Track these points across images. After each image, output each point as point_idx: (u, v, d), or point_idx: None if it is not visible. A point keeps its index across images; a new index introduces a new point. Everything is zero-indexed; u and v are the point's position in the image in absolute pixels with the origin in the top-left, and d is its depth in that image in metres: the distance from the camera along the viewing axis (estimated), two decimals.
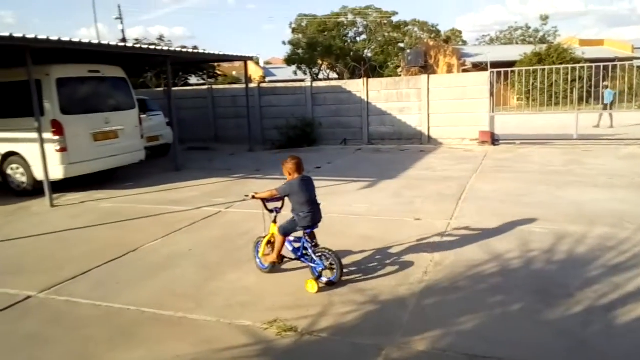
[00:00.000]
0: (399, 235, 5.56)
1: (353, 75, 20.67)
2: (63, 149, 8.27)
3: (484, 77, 13.07)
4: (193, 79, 28.28)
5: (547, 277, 4.28)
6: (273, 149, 14.13)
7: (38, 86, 7.91)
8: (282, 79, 33.96)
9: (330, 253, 4.20)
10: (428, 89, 13.56)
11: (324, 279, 4.22)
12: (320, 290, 4.11)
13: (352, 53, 31.28)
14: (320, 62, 32.38)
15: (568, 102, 14.83)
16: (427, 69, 27.22)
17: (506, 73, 13.50)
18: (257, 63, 42.95)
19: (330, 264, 4.18)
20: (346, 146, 14.28)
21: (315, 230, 4.41)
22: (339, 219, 6.32)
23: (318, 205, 4.35)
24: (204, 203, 7.52)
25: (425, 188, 7.94)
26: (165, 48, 14.67)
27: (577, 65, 13.75)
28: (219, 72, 29.08)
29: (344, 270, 4.30)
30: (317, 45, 30.57)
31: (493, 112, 12.97)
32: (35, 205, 7.94)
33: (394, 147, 13.45)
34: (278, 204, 4.53)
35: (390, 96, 14.06)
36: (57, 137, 8.20)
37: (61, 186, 8.55)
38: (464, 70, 25.82)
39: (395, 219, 6.22)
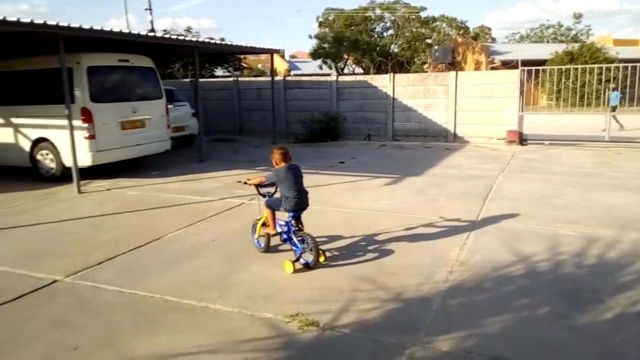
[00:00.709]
0: (423, 234, 5.48)
1: (379, 71, 20.49)
2: (91, 137, 8.41)
3: (514, 75, 12.79)
4: (219, 71, 28.45)
5: (576, 281, 4.15)
6: (296, 143, 14.12)
7: (69, 74, 8.04)
8: (307, 72, 33.91)
9: (309, 237, 4.52)
10: (456, 86, 13.35)
11: (302, 261, 4.54)
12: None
13: (378, 48, 30.99)
14: (346, 56, 32.20)
15: (601, 102, 14.42)
16: (454, 65, 26.82)
17: (536, 71, 13.20)
18: (283, 56, 42.98)
19: (310, 249, 4.50)
20: (370, 142, 14.18)
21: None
22: (362, 215, 6.27)
23: (305, 192, 4.67)
24: (227, 194, 7.55)
25: (450, 186, 7.81)
26: (193, 39, 14.74)
27: (612, 65, 13.35)
28: (244, 65, 29.19)
29: (359, 259, 4.26)
30: (344, 39, 30.39)
31: (522, 111, 12.70)
32: (63, 191, 8.09)
33: (418, 144, 13.30)
34: (271, 189, 4.93)
35: (416, 92, 13.89)
36: (86, 125, 8.33)
37: (88, 173, 8.69)
38: (492, 68, 25.34)
39: (419, 217, 6.13)
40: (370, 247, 5.06)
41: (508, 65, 19.98)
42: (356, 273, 4.40)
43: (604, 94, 14.20)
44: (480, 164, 9.92)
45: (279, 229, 4.78)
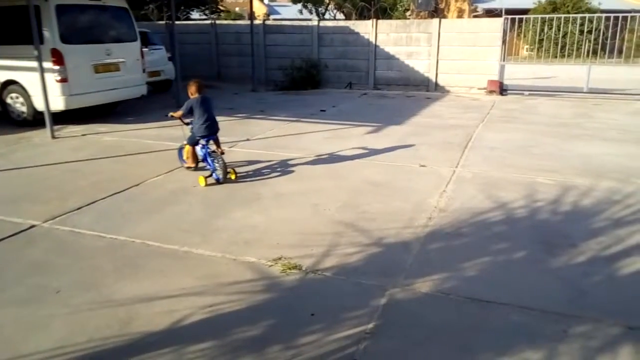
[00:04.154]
0: (404, 181, 5.53)
1: (361, 17, 19.95)
2: (63, 80, 8.06)
3: (497, 23, 12.62)
4: (195, 14, 27.34)
5: (551, 227, 4.28)
6: (276, 90, 13.87)
7: (37, 12, 7.60)
8: (286, 17, 32.83)
9: (219, 157, 5.38)
10: (439, 34, 13.14)
11: (214, 177, 5.38)
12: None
13: None
14: (327, 1, 31.21)
15: (581, 54, 14.42)
16: (437, 13, 26.31)
17: (519, 20, 13.03)
18: (262, 0, 41.44)
19: (220, 166, 5.32)
20: (351, 90, 14.01)
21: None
22: (345, 163, 6.28)
23: (214, 120, 5.49)
24: None
25: (431, 135, 7.84)
26: None
27: (594, 15, 13.26)
28: (221, 8, 28.09)
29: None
30: None
31: (504, 61, 12.63)
32: (36, 136, 7.85)
33: (400, 93, 13.20)
34: (193, 118, 5.52)
35: (399, 40, 13.64)
36: (57, 67, 7.97)
37: (62, 118, 8.42)
38: (475, 16, 24.94)
39: (400, 165, 6.17)
40: (351, 195, 5.09)
41: (492, 14, 19.68)
42: (337, 219, 4.44)
43: (585, 45, 14.17)
44: (461, 113, 9.94)
45: (199, 151, 5.60)
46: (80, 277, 3.42)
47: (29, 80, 8.09)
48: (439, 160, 6.36)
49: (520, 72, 14.61)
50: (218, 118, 5.49)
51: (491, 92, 12.52)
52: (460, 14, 28.50)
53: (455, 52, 13.10)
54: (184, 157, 5.88)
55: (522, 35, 17.64)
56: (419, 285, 3.31)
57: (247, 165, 6.20)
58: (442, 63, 13.30)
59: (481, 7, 27.72)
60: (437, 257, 3.73)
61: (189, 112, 5.40)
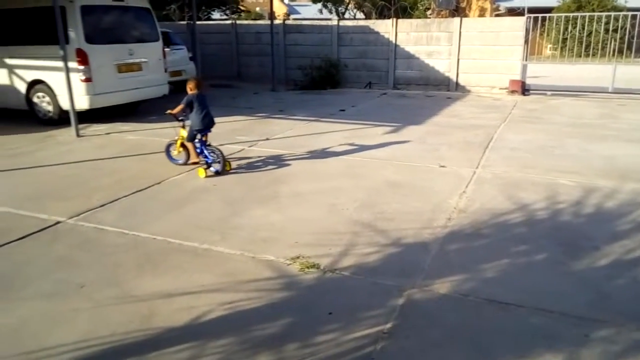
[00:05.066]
0: (423, 181, 5.51)
1: (381, 16, 19.90)
2: (88, 79, 8.23)
3: (520, 22, 12.44)
4: (216, 14, 27.59)
5: (573, 229, 4.22)
6: (296, 90, 13.92)
7: (62, 13, 7.77)
8: (306, 16, 32.89)
9: (217, 150, 5.73)
10: (460, 33, 13.01)
11: (212, 169, 5.68)
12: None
13: None
14: (347, 0, 31.16)
15: (606, 53, 14.13)
16: (458, 12, 26.04)
17: (543, 19, 12.83)
18: (282, 0, 41.59)
19: (218, 159, 5.67)
20: (371, 90, 13.98)
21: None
22: (363, 163, 6.28)
23: (210, 114, 5.79)
24: (226, 140, 7.49)
25: (451, 135, 7.78)
26: None
27: (621, 14, 12.97)
28: (242, 8, 28.29)
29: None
30: None
31: (526, 60, 12.46)
32: (61, 134, 8.03)
33: (420, 93, 13.12)
34: (184, 115, 5.87)
35: (419, 39, 13.55)
36: (82, 67, 8.14)
37: (86, 117, 8.59)
38: (497, 15, 24.62)
39: (419, 165, 6.14)
40: (369, 194, 5.09)
41: (514, 12, 19.38)
42: (355, 218, 4.45)
43: (610, 44, 13.88)
44: (482, 113, 9.84)
45: (197, 146, 5.85)
46: (103, 273, 3.50)
47: (55, 79, 8.28)
48: (459, 160, 6.31)
49: (544, 72, 14.37)
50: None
51: (513, 91, 12.35)
52: (481, 12, 28.17)
53: (477, 52, 12.97)
54: (173, 155, 6.13)
55: (545, 34, 17.36)
56: (437, 286, 3.30)
57: (265, 164, 6.25)
58: (463, 62, 13.18)
59: (503, 5, 27.36)
60: (456, 258, 3.71)
61: (188, 106, 5.69)
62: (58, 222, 4.39)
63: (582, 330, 2.80)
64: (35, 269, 3.57)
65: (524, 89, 12.36)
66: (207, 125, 5.79)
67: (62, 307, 3.07)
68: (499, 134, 7.88)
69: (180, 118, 5.94)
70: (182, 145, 6.03)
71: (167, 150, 6.21)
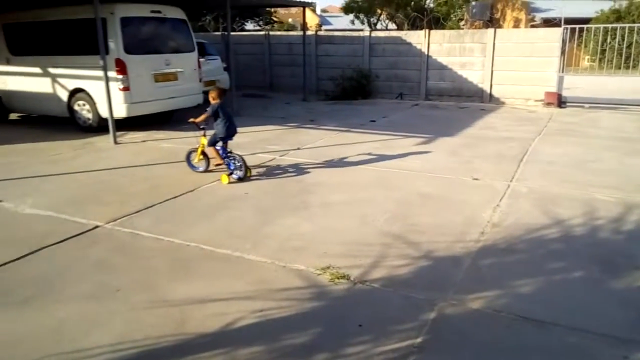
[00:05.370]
0: (456, 194, 5.44)
1: (413, 27, 19.85)
2: (126, 88, 8.49)
3: (556, 33, 12.20)
4: (249, 25, 28.05)
5: (612, 246, 4.09)
6: (327, 100, 13.99)
7: (103, 24, 8.06)
8: (338, 27, 33.10)
9: (239, 157, 5.93)
10: (494, 44, 12.86)
11: (234, 176, 5.88)
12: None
13: (413, 3, 29.91)
14: (379, 11, 31.23)
15: None
16: (492, 23, 25.75)
17: (580, 30, 12.55)
18: (314, 10, 41.95)
19: (240, 166, 5.88)
20: (402, 101, 13.94)
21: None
22: (394, 174, 6.25)
23: (233, 122, 6.02)
24: (258, 149, 7.60)
25: (484, 148, 7.67)
26: None
27: None
28: (275, 19, 28.70)
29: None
30: None
31: (563, 72, 12.20)
32: (100, 141, 8.29)
33: (452, 104, 13.00)
34: (206, 124, 6.11)
35: (452, 50, 13.45)
36: (120, 76, 8.41)
37: (123, 124, 8.84)
38: (533, 26, 24.22)
39: (452, 178, 6.07)
40: (400, 206, 5.07)
41: (550, 23, 19.04)
42: (385, 230, 4.43)
43: None
44: (517, 125, 9.67)
45: (221, 153, 6.05)
46: (138, 277, 3.58)
47: (95, 88, 8.57)
48: (492, 173, 6.21)
49: (581, 84, 14.03)
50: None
51: (549, 104, 12.10)
52: (516, 23, 27.81)
53: (511, 63, 12.78)
54: (194, 163, 6.30)
55: (582, 45, 16.98)
56: (469, 301, 3.25)
57: (296, 174, 6.30)
58: (496, 74, 13.00)
59: (539, 16, 26.91)
60: (489, 273, 3.65)
61: (213, 115, 5.90)
62: (96, 227, 4.53)
63: (621, 352, 2.71)
64: (75, 272, 3.68)
65: (561, 101, 12.09)
66: (231, 133, 6.01)
67: (99, 309, 3.16)
68: (535, 147, 7.73)
69: (201, 127, 6.10)
70: (203, 153, 6.19)
71: (188, 158, 6.37)
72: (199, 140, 6.22)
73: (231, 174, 5.91)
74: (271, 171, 6.45)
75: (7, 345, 2.81)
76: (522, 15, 28.03)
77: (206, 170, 6.23)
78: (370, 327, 2.96)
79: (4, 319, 3.07)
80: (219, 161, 6.11)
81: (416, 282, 3.51)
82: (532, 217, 4.71)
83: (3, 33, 9.65)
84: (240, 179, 5.86)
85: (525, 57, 12.57)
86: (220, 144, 6.05)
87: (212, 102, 5.93)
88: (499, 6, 29.55)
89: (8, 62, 9.66)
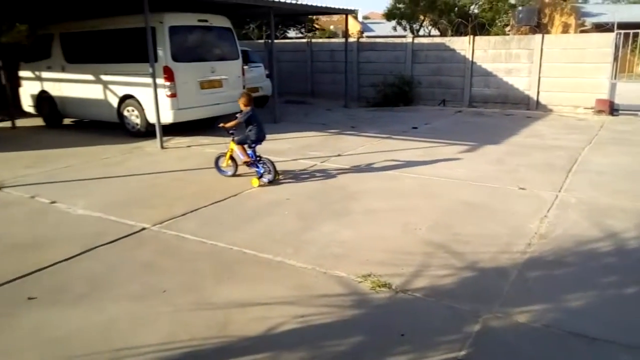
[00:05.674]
0: (501, 204, 5.31)
1: (457, 33, 19.58)
2: (173, 95, 8.75)
3: (608, 39, 11.75)
4: (291, 33, 28.37)
5: None
6: (368, 107, 13.96)
7: (152, 33, 8.33)
8: (380, 34, 33.00)
9: (268, 161, 6.13)
10: (541, 50, 12.50)
11: (264, 180, 6.08)
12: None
13: (457, 9, 29.51)
14: (422, 17, 30.97)
15: None
16: (540, 28, 25.06)
17: (634, 35, 12.03)
18: (356, 17, 42.00)
19: (269, 170, 6.08)
20: (445, 107, 13.74)
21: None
22: (437, 182, 6.16)
23: (263, 127, 6.20)
24: (299, 155, 7.66)
25: (531, 156, 7.45)
26: None
27: None
28: (317, 26, 28.92)
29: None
30: None
31: (615, 78, 11.71)
32: (147, 146, 8.57)
33: (497, 111, 12.71)
34: (234, 130, 6.27)
35: (497, 56, 13.17)
36: (168, 83, 8.67)
37: (169, 130, 9.10)
38: (583, 31, 23.39)
39: (497, 187, 5.93)
40: (443, 215, 4.98)
41: (601, 28, 18.35)
42: (428, 239, 4.36)
43: None
44: (565, 134, 9.35)
45: (252, 156, 6.21)
46: (183, 279, 3.67)
47: (144, 94, 8.88)
48: (539, 183, 6.02)
49: (636, 91, 13.41)
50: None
51: (600, 111, 11.64)
52: (565, 28, 26.93)
53: (560, 69, 12.38)
54: (222, 167, 6.50)
55: (637, 51, 16.26)
56: (516, 314, 3.15)
57: (337, 180, 6.30)
58: (544, 80, 12.63)
59: (589, 21, 25.93)
60: (537, 286, 3.53)
61: (246, 122, 6.10)
62: (143, 229, 4.67)
63: None
64: (123, 272, 3.81)
65: (613, 109, 11.60)
66: (260, 138, 6.20)
67: (146, 309, 3.26)
68: (584, 156, 7.44)
69: (231, 132, 6.26)
70: (231, 157, 6.40)
71: (217, 163, 6.56)
72: (228, 145, 6.39)
73: (261, 177, 6.09)
74: (312, 177, 6.48)
75: (61, 340, 2.94)
76: (572, 20, 27.10)
77: (234, 175, 6.42)
78: (413, 337, 2.92)
79: (59, 315, 3.21)
80: (247, 159, 6.24)
81: (460, 293, 3.44)
82: (581, 229, 4.53)
83: (60, 42, 10.16)
84: (270, 182, 6.05)
85: (575, 63, 12.16)
86: (248, 147, 6.21)
87: (243, 108, 6.10)
88: (547, 11, 28.70)
89: (63, 70, 10.15)
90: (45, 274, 3.79)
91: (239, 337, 2.92)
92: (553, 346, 2.83)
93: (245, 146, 6.24)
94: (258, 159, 6.19)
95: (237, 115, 6.20)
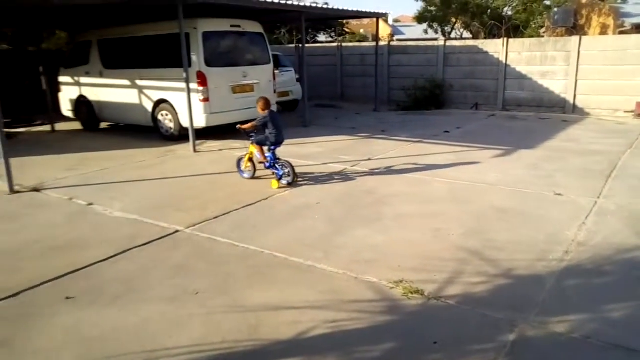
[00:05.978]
0: (536, 210, 5.17)
1: (490, 35, 19.26)
2: (206, 100, 8.90)
3: None
4: (321, 37, 28.49)
5: None
6: (398, 110, 13.87)
7: (186, 39, 8.49)
8: (411, 37, 32.78)
9: (287, 163, 6.24)
10: (578, 52, 12.15)
11: (284, 182, 6.18)
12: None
13: (489, 11, 29.05)
14: (453, 20, 30.62)
15: None
16: (576, 30, 24.41)
17: None
18: (386, 21, 41.84)
19: (288, 172, 6.18)
20: (477, 111, 13.51)
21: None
22: (469, 187, 6.06)
23: (282, 131, 6.29)
24: (329, 159, 7.66)
25: (567, 161, 7.24)
26: (300, 4, 14.86)
27: None
28: (347, 30, 28.95)
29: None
30: (452, 1, 28.81)
31: None
32: (180, 149, 8.73)
33: (531, 115, 12.42)
34: (254, 132, 6.39)
35: (532, 59, 12.88)
36: (201, 88, 8.82)
37: (202, 134, 9.25)
38: (622, 33, 22.66)
39: (531, 192, 5.78)
40: (476, 220, 4.89)
41: None
42: (461, 245, 4.29)
43: None
44: (604, 138, 9.05)
45: (268, 156, 6.31)
46: (215, 282, 3.71)
47: (177, 99, 9.05)
48: (577, 188, 5.85)
49: None
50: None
51: None
52: (603, 30, 26.16)
53: (598, 72, 12.01)
54: (242, 169, 6.65)
55: None
56: (553, 324, 3.06)
57: (367, 184, 6.26)
58: (581, 83, 12.27)
59: (629, 22, 25.10)
60: (575, 295, 3.42)
61: (264, 126, 6.21)
62: (177, 231, 4.75)
63: None
64: (157, 274, 3.88)
65: None
66: (279, 141, 6.31)
67: (179, 311, 3.30)
68: (624, 161, 7.18)
69: (250, 135, 6.40)
70: (250, 159, 6.55)
71: (238, 165, 6.72)
72: (248, 147, 6.57)
73: (280, 179, 6.19)
74: (343, 181, 6.47)
75: (96, 340, 3.01)
76: (610, 21, 26.27)
77: (252, 177, 6.57)
78: (446, 345, 2.87)
79: (94, 316, 3.29)
80: (263, 159, 6.38)
81: (494, 301, 3.36)
82: (622, 237, 4.37)
83: (98, 48, 10.47)
84: (289, 184, 6.16)
85: (614, 66, 11.77)
86: (267, 149, 6.32)
87: (261, 112, 6.23)
88: (584, 12, 27.92)
89: (101, 75, 10.46)
90: (82, 274, 3.90)
91: (270, 340, 2.93)
92: (592, 358, 2.73)
93: (265, 148, 6.36)
94: (277, 160, 6.29)
95: (257, 118, 6.33)
